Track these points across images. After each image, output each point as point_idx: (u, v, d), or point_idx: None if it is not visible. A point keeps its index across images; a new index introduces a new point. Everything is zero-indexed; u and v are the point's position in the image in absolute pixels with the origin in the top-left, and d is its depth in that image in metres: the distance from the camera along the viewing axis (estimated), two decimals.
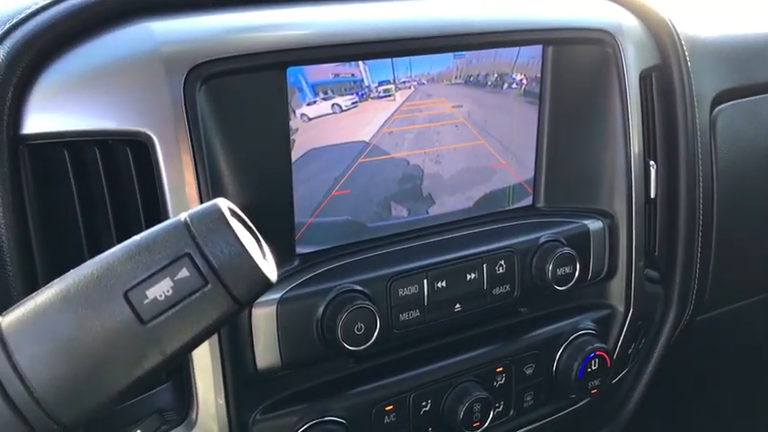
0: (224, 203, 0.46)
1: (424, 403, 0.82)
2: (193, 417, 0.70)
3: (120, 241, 0.68)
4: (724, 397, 1.31)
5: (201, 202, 0.67)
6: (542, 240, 0.86)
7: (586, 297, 0.94)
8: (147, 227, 0.68)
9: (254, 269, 0.44)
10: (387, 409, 0.80)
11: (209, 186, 0.67)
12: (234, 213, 0.46)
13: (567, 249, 0.85)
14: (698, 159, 1.00)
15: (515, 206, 0.91)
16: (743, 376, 1.30)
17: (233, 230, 0.44)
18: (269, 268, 0.46)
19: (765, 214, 1.12)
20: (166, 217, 0.67)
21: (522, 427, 0.91)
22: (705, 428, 1.31)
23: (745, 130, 1.07)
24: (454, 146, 0.84)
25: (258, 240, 0.48)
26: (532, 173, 0.91)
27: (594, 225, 0.90)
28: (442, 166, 0.84)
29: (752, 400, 1.33)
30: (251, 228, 0.48)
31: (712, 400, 1.30)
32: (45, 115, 0.64)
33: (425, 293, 0.80)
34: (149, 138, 0.65)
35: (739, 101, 1.07)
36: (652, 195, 0.95)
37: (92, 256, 0.68)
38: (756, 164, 1.09)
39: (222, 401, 0.71)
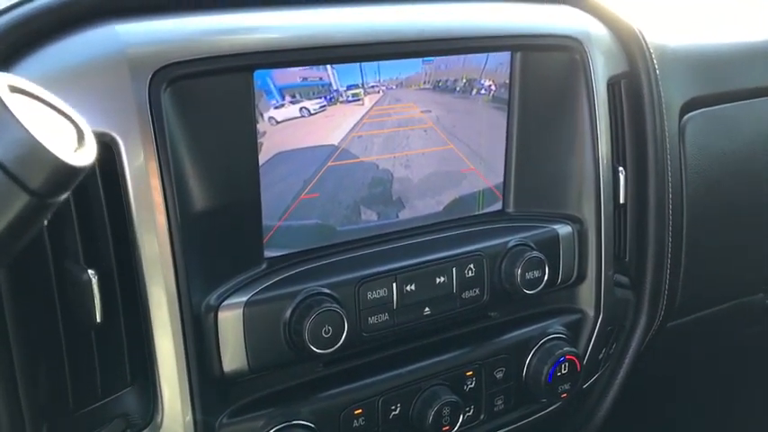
0: (3, 80, 0.40)
1: (393, 407, 0.82)
2: (158, 420, 0.70)
3: (84, 247, 0.69)
4: (696, 402, 1.32)
5: (167, 204, 0.67)
6: (511, 244, 0.87)
7: (556, 302, 0.94)
8: (113, 232, 0.69)
9: (45, 155, 0.39)
10: (356, 412, 0.80)
11: (174, 189, 0.67)
12: (24, 91, 0.41)
13: (535, 253, 0.86)
14: (667, 166, 1.01)
15: (485, 211, 0.92)
16: (714, 382, 1.31)
17: (11, 112, 0.39)
18: (74, 153, 0.40)
19: (735, 221, 1.14)
20: (131, 221, 0.67)
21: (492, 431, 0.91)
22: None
23: (713, 138, 1.09)
24: (423, 150, 0.85)
25: (71, 120, 0.42)
26: (502, 178, 0.92)
27: (564, 230, 0.91)
28: (412, 170, 0.85)
29: (723, 405, 1.34)
30: (56, 106, 0.42)
31: (684, 405, 1.31)
32: None
33: (394, 297, 0.80)
34: (114, 140, 0.65)
35: (708, 109, 1.09)
36: (621, 201, 0.96)
37: (55, 261, 0.69)
38: (725, 171, 1.10)
39: (188, 405, 0.70)
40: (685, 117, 1.06)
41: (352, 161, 0.81)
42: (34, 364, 0.68)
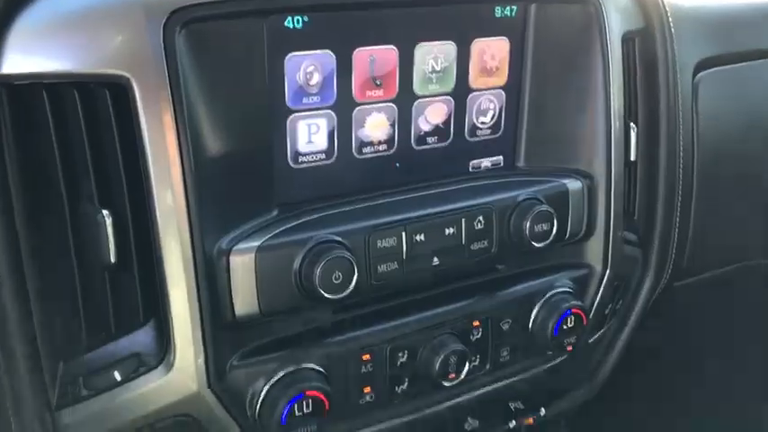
0: None
1: (400, 354, 0.83)
2: (171, 360, 0.71)
3: (99, 189, 0.70)
4: (700, 363, 1.33)
5: (180, 146, 0.68)
6: (521, 198, 0.87)
7: (564, 256, 0.95)
8: (127, 174, 0.70)
9: None
10: (364, 358, 0.81)
11: (188, 132, 0.68)
12: None
13: (545, 207, 0.86)
14: (679, 124, 1.01)
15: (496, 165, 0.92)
16: (719, 343, 1.32)
17: None
18: None
19: (746, 181, 1.14)
20: (145, 163, 0.67)
21: (497, 382, 0.92)
22: (681, 393, 1.33)
23: (726, 97, 1.09)
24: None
25: None
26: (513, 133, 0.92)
27: (574, 185, 0.91)
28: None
29: (725, 369, 1.35)
30: None
31: (689, 365, 1.32)
32: (24, 56, 0.64)
33: (404, 246, 0.80)
34: (128, 81, 0.66)
35: (721, 68, 1.08)
36: (632, 158, 0.96)
37: (70, 203, 0.70)
38: (737, 130, 1.10)
39: (200, 346, 0.72)
40: (698, 76, 1.05)
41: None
42: (50, 304, 0.70)
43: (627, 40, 0.93)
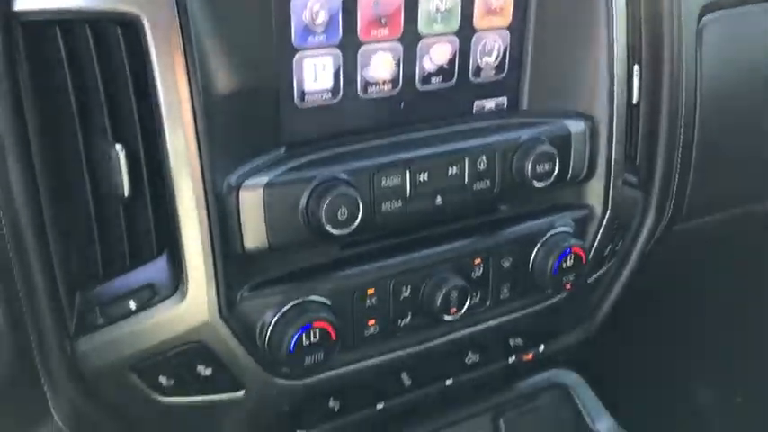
0: None
1: (403, 289, 0.86)
2: (184, 290, 0.74)
3: (112, 124, 0.72)
4: (700, 306, 1.36)
5: (190, 82, 0.70)
6: (523, 139, 0.89)
7: (565, 197, 0.97)
8: (139, 109, 0.72)
9: None
10: (368, 292, 0.84)
11: (198, 67, 0.70)
12: None
13: (547, 147, 0.88)
14: (682, 67, 1.01)
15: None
16: (719, 287, 1.34)
17: None
18: None
19: (748, 126, 1.14)
20: (156, 98, 0.69)
21: (497, 318, 0.95)
22: (680, 335, 1.36)
23: (731, 41, 1.08)
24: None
25: None
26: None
27: (576, 126, 0.92)
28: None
29: (726, 310, 1.38)
30: None
31: (688, 308, 1.35)
32: None
33: (408, 185, 0.83)
34: (139, 18, 0.67)
35: (727, 11, 1.08)
36: (635, 100, 0.97)
37: (84, 138, 0.72)
38: (741, 74, 1.10)
39: (211, 278, 0.75)
40: (704, 19, 1.05)
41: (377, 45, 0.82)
42: (66, 236, 0.73)
43: None
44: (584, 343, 1.12)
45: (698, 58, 1.04)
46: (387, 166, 0.81)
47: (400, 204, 0.83)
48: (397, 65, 0.85)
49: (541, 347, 1.05)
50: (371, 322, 0.86)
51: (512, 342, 1.03)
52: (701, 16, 1.05)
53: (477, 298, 0.92)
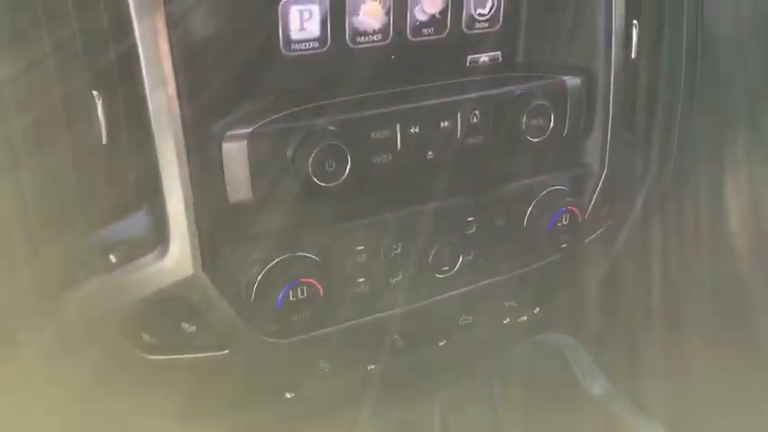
0: None
1: (394, 246, 0.84)
2: (166, 244, 0.72)
3: (90, 71, 0.69)
4: (696, 271, 1.34)
5: (169, 27, 0.67)
6: (518, 93, 0.86)
7: (561, 155, 0.94)
8: (117, 55, 0.69)
9: None
10: (358, 248, 0.82)
11: (178, 12, 0.67)
12: None
13: (542, 101, 0.85)
14: (683, 23, 0.98)
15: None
16: (717, 254, 1.32)
17: None
18: None
19: (751, 86, 1.12)
20: (134, 44, 0.66)
21: (491, 277, 0.93)
22: (677, 298, 1.34)
23: None
24: None
25: None
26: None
27: (572, 81, 0.90)
28: None
29: (723, 279, 1.36)
30: None
31: (686, 273, 1.33)
32: None
33: (398, 138, 0.80)
34: None
35: None
36: (633, 56, 0.95)
37: (61, 83, 0.69)
38: (744, 31, 1.07)
39: (194, 231, 0.72)
40: None
41: None
42: (45, 187, 0.70)
43: None
44: (581, 306, 1.10)
45: (699, 11, 1.01)
46: (376, 118, 0.79)
47: (390, 158, 0.80)
48: (387, 14, 0.82)
49: (536, 310, 1.03)
50: (361, 279, 0.84)
51: (506, 303, 1.01)
52: None
53: (471, 256, 0.90)
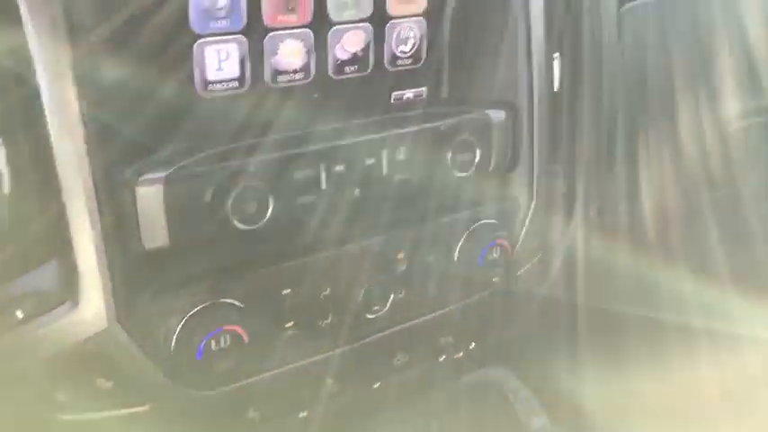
0: None
1: (323, 288, 0.82)
2: (77, 296, 0.69)
3: None
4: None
5: (76, 71, 0.64)
6: (443, 128, 0.86)
7: (489, 188, 0.94)
8: (20, 97, 0.66)
9: None
10: (284, 292, 0.79)
11: (85, 54, 0.64)
12: None
13: (467, 136, 0.85)
14: (603, 54, 1.00)
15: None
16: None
17: None
18: None
19: (673, 113, 1.14)
20: (37, 89, 0.63)
21: (424, 315, 0.92)
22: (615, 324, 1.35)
23: (653, 27, 1.08)
24: None
25: None
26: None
27: (496, 115, 0.90)
28: None
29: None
30: None
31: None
32: None
33: (322, 176, 0.78)
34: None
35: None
36: (555, 88, 0.96)
37: None
38: (663, 61, 1.10)
39: (108, 281, 0.69)
40: (625, 7, 1.05)
41: None
42: None
43: None
44: (517, 339, 1.09)
45: (619, 43, 1.03)
46: (299, 158, 0.77)
47: (315, 198, 0.79)
48: (308, 53, 0.81)
49: (472, 345, 1.02)
50: (289, 324, 0.81)
51: (442, 340, 0.99)
52: (621, 3, 1.04)
53: (402, 294, 0.88)
